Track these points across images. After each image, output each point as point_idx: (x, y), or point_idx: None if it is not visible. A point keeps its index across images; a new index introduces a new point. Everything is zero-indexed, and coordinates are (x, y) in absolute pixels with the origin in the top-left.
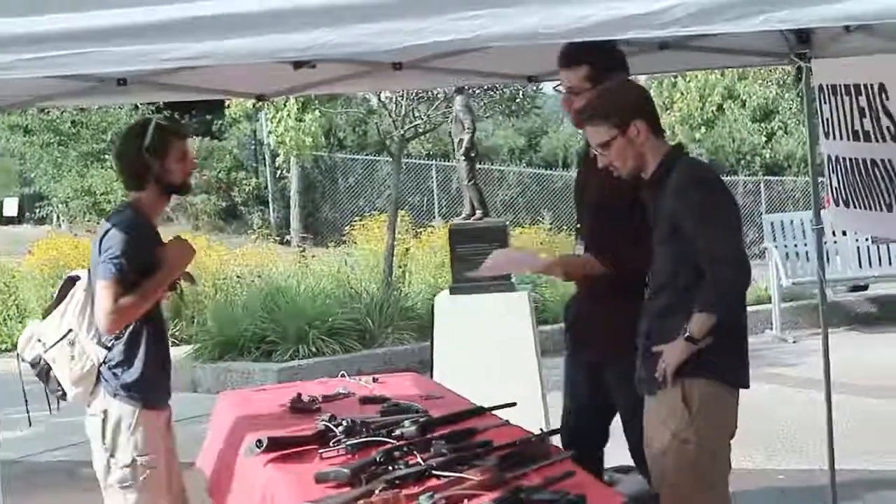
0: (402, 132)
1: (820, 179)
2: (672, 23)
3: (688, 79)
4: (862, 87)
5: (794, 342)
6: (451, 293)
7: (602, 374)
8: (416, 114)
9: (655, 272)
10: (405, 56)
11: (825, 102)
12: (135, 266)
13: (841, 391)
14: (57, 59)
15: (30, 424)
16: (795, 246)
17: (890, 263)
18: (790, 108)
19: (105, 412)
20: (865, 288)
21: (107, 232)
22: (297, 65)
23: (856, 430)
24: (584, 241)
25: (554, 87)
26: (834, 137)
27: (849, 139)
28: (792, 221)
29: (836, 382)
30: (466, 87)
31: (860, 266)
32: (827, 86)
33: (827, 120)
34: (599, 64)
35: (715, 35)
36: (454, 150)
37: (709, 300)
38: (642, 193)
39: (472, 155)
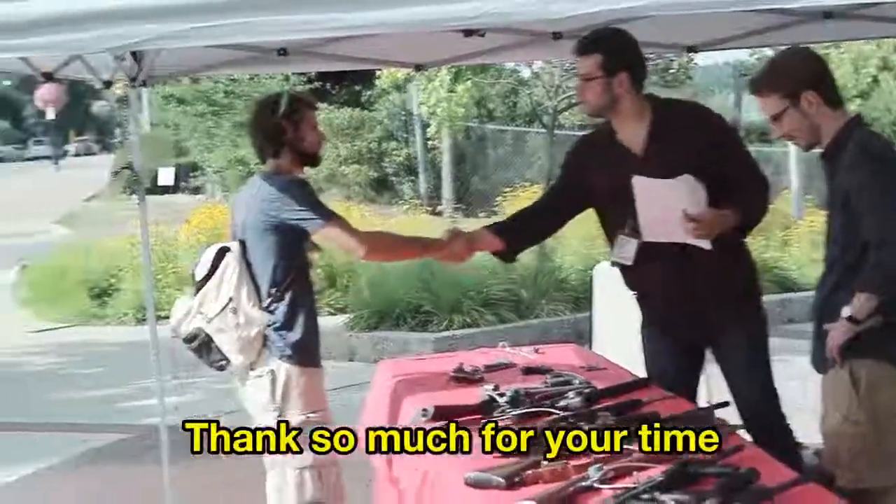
0: (555, 103)
1: None
2: None
3: (841, 50)
4: None
5: None
6: (611, 264)
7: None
8: (570, 85)
9: (828, 248)
10: (567, 25)
11: None
12: None
13: None
14: (230, 27)
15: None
16: None
17: None
18: None
19: (273, 373)
20: None
21: (271, 194)
22: (468, 33)
23: None
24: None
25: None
26: None
27: None
28: None
29: None
30: None
31: None
32: None
33: None
34: (613, 54)
35: (883, 3)
36: None
37: (872, 281)
38: (821, 166)
39: None
